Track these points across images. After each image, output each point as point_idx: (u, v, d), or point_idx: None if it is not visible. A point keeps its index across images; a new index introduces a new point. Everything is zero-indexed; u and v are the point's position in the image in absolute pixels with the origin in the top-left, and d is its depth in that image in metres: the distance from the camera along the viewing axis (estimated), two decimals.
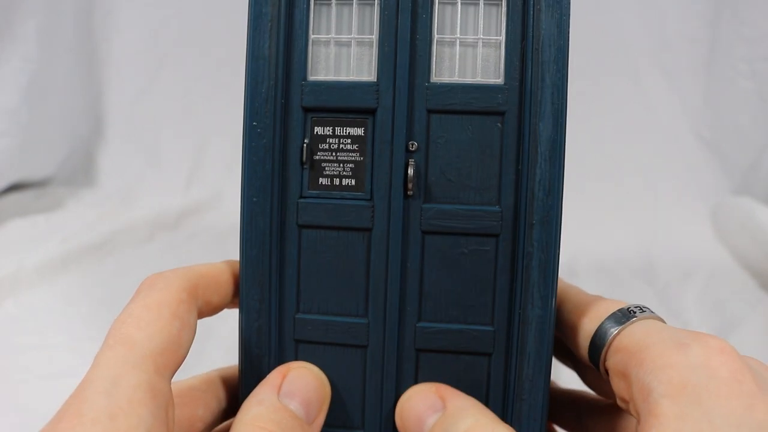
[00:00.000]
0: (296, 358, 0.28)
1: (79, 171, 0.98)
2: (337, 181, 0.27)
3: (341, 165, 0.27)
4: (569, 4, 0.25)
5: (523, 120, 0.25)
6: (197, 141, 0.98)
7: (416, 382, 0.27)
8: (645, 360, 0.22)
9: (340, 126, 0.27)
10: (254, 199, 0.27)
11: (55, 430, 0.20)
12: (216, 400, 0.29)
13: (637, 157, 0.94)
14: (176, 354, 0.24)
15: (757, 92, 0.90)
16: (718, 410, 0.20)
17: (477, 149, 0.26)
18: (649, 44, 0.94)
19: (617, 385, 0.24)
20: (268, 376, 0.26)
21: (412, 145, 0.27)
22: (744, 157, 0.92)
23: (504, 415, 0.26)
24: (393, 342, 0.27)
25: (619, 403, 0.24)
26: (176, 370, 0.24)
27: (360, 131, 0.27)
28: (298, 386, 0.26)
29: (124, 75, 1.00)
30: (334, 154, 0.27)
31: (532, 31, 0.25)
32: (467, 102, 0.26)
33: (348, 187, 0.27)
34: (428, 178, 0.27)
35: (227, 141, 0.94)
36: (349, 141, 0.27)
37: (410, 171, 0.26)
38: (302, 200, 0.27)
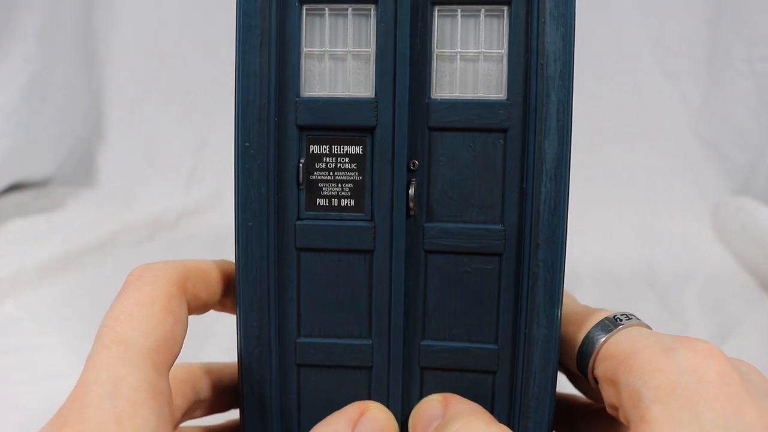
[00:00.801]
0: (299, 383, 0.28)
1: (79, 171, 0.97)
2: (335, 202, 0.27)
3: (339, 185, 0.27)
4: (574, 17, 0.24)
5: (528, 137, 0.25)
6: (197, 141, 0.98)
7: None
8: (633, 366, 0.22)
9: (338, 144, 0.26)
10: (249, 224, 0.26)
11: None
12: (193, 390, 0.29)
13: (637, 157, 0.94)
14: (171, 350, 0.24)
15: (756, 92, 0.90)
16: (707, 413, 0.20)
17: (480, 167, 0.26)
18: (649, 44, 0.94)
19: (607, 393, 0.24)
20: (346, 408, 0.26)
21: (414, 164, 0.26)
22: (744, 157, 0.92)
23: None
24: (398, 361, 0.27)
25: (608, 410, 0.24)
26: (172, 366, 0.24)
27: (358, 149, 0.26)
28: (372, 428, 0.26)
29: (124, 75, 0.99)
30: (331, 173, 0.27)
31: (537, 45, 0.24)
32: (469, 119, 0.26)
33: (347, 208, 0.27)
34: (430, 196, 0.26)
35: (227, 141, 0.93)
36: (347, 160, 0.26)
37: (411, 191, 0.26)
38: (300, 222, 0.27)
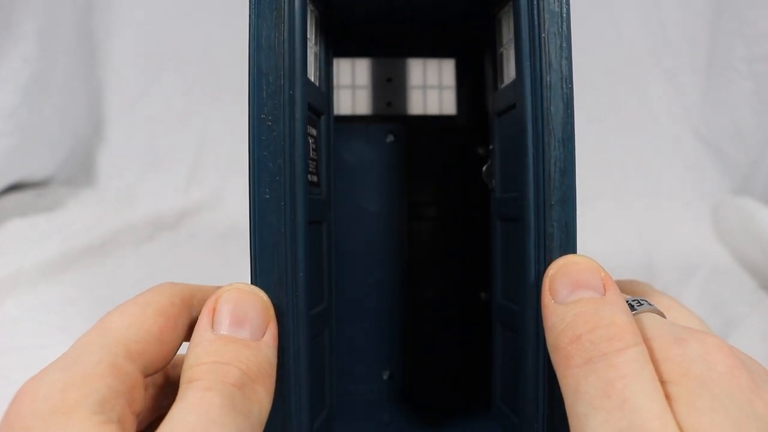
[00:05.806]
0: (311, 357, 0.27)
1: (79, 171, 0.97)
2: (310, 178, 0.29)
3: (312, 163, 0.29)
4: None
5: (535, 106, 0.26)
6: (197, 141, 0.98)
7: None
8: None
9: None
10: (267, 196, 0.25)
11: (9, 412, 0.21)
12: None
13: (637, 157, 0.94)
14: (154, 347, 0.24)
15: (756, 92, 0.90)
16: (725, 395, 0.21)
17: None
18: (649, 44, 0.94)
19: None
20: (200, 317, 0.25)
21: None
22: (744, 157, 0.92)
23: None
24: None
25: None
26: (156, 366, 0.24)
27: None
28: (227, 311, 0.24)
29: (124, 75, 0.99)
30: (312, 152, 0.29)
31: (538, 20, 0.26)
32: None
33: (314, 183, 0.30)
34: None
35: (227, 141, 0.94)
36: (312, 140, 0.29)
37: None
38: (311, 196, 0.27)
